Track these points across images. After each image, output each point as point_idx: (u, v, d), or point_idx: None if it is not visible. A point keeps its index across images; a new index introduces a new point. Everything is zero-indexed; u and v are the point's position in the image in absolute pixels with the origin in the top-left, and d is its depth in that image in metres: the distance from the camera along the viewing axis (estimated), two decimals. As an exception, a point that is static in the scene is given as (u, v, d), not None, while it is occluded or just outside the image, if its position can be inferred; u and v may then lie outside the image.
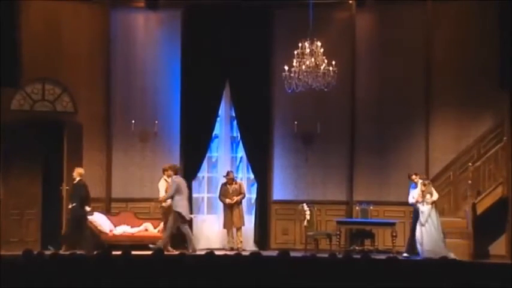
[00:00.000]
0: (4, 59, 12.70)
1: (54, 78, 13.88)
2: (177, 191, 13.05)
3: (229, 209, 13.77)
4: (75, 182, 12.99)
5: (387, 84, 14.09)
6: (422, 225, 12.73)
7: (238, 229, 13.84)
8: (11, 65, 12.82)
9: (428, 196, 12.81)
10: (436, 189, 13.59)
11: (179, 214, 13.03)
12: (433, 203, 12.83)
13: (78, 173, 13.01)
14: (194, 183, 14.38)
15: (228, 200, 13.74)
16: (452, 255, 11.74)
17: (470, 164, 13.27)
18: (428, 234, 12.66)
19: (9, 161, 13.19)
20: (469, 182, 13.09)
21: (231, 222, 13.80)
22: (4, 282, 7.19)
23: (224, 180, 13.94)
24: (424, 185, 12.85)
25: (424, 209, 12.79)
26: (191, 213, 13.54)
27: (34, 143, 13.56)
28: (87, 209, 12.95)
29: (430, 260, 11.24)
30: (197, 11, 14.23)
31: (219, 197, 13.92)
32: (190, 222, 13.41)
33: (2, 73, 12.79)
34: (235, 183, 13.84)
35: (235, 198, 13.75)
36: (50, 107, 13.92)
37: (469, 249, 12.65)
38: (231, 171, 13.98)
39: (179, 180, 13.21)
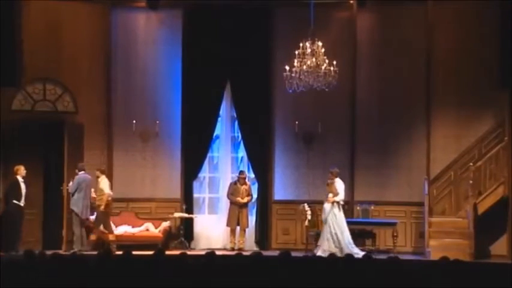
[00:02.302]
0: (5, 59, 12.70)
1: (55, 78, 13.88)
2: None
3: (238, 208, 13.76)
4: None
5: (388, 84, 14.09)
6: (324, 223, 12.86)
7: (244, 230, 13.85)
8: (12, 65, 12.82)
9: (330, 195, 12.88)
10: (436, 190, 13.63)
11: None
12: (336, 202, 12.86)
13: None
14: (195, 183, 14.40)
15: (239, 199, 13.73)
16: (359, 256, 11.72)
17: (471, 163, 13.26)
18: (325, 232, 12.76)
19: (10, 161, 13.18)
20: (470, 181, 13.08)
21: (236, 222, 13.79)
22: (5, 282, 7.19)
23: (235, 179, 13.95)
24: (327, 184, 12.98)
25: (325, 206, 12.88)
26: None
27: (35, 143, 13.58)
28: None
29: (432, 260, 11.28)
30: (198, 11, 14.24)
31: (228, 195, 13.90)
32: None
33: (3, 73, 12.80)
34: (246, 184, 13.85)
35: (246, 198, 13.75)
36: (51, 107, 13.92)
37: (470, 249, 12.65)
38: (244, 171, 13.97)
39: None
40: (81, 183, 13.16)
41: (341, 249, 12.52)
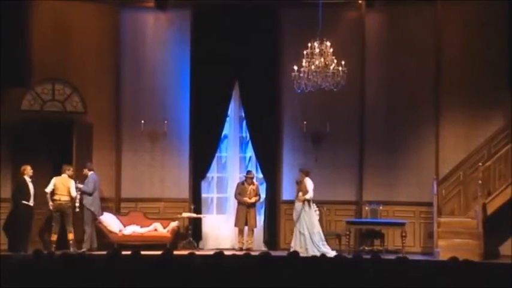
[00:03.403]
0: (14, 60, 12.74)
1: (64, 78, 13.92)
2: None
3: (246, 208, 13.77)
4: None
5: (396, 84, 14.06)
6: (295, 222, 12.96)
7: (252, 230, 13.86)
8: (21, 65, 12.86)
9: (300, 194, 12.94)
10: (445, 190, 13.58)
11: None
12: (307, 201, 12.95)
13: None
14: (203, 183, 14.41)
15: (247, 199, 13.73)
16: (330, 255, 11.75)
17: (480, 164, 13.21)
18: (296, 230, 12.88)
19: (20, 161, 13.22)
20: (480, 182, 13.04)
21: (244, 222, 13.80)
22: (14, 282, 7.22)
23: (242, 179, 13.96)
24: (297, 183, 13.08)
25: (296, 205, 13.00)
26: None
27: (44, 142, 13.62)
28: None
29: (441, 261, 11.25)
30: (206, 11, 14.24)
31: (236, 195, 13.91)
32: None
33: (12, 73, 12.83)
34: (253, 183, 13.85)
35: (254, 198, 13.76)
36: (60, 107, 13.96)
37: (479, 250, 12.60)
38: (252, 171, 13.98)
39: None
40: (95, 182, 13.20)
41: (306, 250, 12.67)
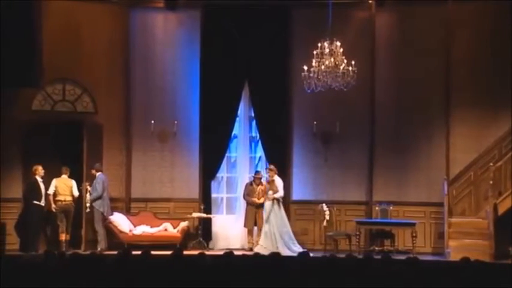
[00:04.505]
0: (25, 60, 12.79)
1: (75, 78, 13.97)
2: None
3: (255, 209, 13.77)
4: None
5: (407, 84, 14.02)
6: (265, 221, 13.01)
7: (261, 230, 13.84)
8: (32, 66, 12.90)
9: (270, 192, 13.01)
10: (456, 190, 13.52)
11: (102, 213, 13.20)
12: (277, 200, 13.03)
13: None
14: (213, 183, 14.42)
15: (255, 200, 13.73)
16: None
17: (491, 164, 13.16)
18: (265, 230, 12.95)
19: (30, 161, 13.27)
20: (490, 182, 12.97)
21: (253, 223, 13.80)
22: (25, 281, 7.24)
23: (251, 179, 13.96)
24: (267, 182, 13.16)
25: (266, 204, 13.08)
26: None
27: (55, 143, 13.66)
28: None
29: (452, 261, 11.22)
30: (216, 11, 14.25)
31: (244, 196, 13.92)
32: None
33: (23, 73, 12.87)
34: (262, 184, 13.85)
35: (263, 199, 13.77)
36: (71, 108, 14.01)
37: (490, 250, 12.55)
38: (261, 171, 13.99)
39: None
40: (104, 183, 13.23)
41: (276, 249, 12.65)
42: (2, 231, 12.81)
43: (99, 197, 13.21)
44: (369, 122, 14.16)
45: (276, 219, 13.02)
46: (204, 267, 7.78)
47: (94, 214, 13.25)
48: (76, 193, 13.26)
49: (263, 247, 12.74)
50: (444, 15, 13.85)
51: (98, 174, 13.35)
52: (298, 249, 12.72)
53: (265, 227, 13.05)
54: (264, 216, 13.15)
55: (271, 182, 13.17)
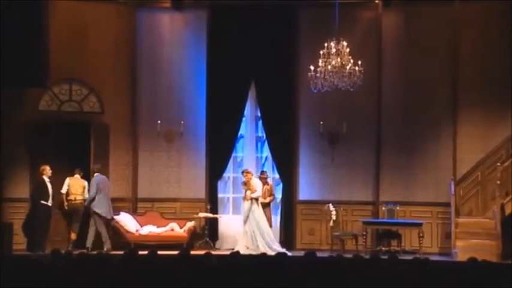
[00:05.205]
0: (32, 60, 12.81)
1: (81, 78, 13.99)
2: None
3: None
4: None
5: (413, 84, 14.00)
6: (244, 221, 13.06)
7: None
8: (39, 66, 12.93)
9: (248, 192, 13.03)
10: (463, 190, 13.49)
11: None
12: (255, 199, 13.05)
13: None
14: (220, 183, 14.42)
15: (261, 199, 13.74)
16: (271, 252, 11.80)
17: (498, 164, 13.13)
18: (245, 229, 13.00)
19: (37, 161, 13.30)
20: (498, 182, 12.95)
21: (260, 222, 13.82)
22: (32, 281, 7.26)
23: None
24: (244, 183, 13.21)
25: (245, 205, 13.13)
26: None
27: (61, 143, 13.68)
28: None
29: (459, 261, 11.19)
30: (223, 11, 14.25)
31: None
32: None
33: (30, 74, 12.90)
34: (267, 184, 13.85)
35: (269, 198, 13.77)
36: (77, 108, 14.03)
37: (497, 250, 12.51)
38: (266, 171, 13.98)
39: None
40: (98, 184, 13.23)
41: (257, 247, 12.74)
42: (9, 231, 12.84)
43: (93, 199, 13.20)
44: (375, 122, 14.13)
45: (254, 219, 13.03)
46: (211, 267, 7.78)
47: (91, 216, 13.24)
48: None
49: (245, 246, 12.80)
50: (451, 15, 13.83)
51: (94, 175, 13.37)
52: (277, 248, 12.70)
53: (245, 227, 13.08)
54: (243, 216, 13.15)
55: (247, 182, 13.17)
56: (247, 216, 13.08)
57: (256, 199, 13.16)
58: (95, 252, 11.82)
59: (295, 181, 14.27)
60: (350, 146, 14.13)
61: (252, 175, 13.33)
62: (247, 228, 13.06)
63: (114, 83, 14.16)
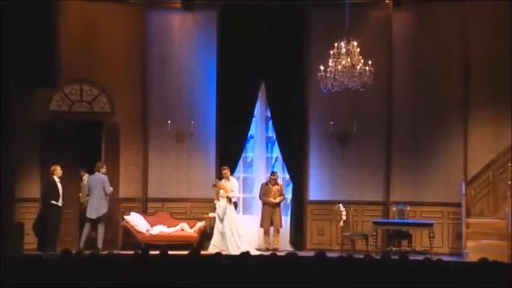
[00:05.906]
0: (43, 60, 12.85)
1: (92, 79, 14.03)
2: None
3: (271, 209, 13.78)
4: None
5: (424, 84, 13.96)
6: (220, 220, 13.12)
7: (277, 230, 13.86)
8: (50, 66, 12.97)
9: (222, 191, 13.10)
10: (474, 190, 13.44)
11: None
12: (229, 198, 13.13)
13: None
14: (230, 184, 14.44)
15: (271, 200, 13.74)
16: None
17: (509, 164, 13.07)
18: (218, 229, 13.09)
19: (48, 161, 13.34)
20: (509, 182, 12.90)
21: (269, 223, 13.82)
22: (42, 281, 7.28)
23: (267, 179, 13.96)
24: (214, 185, 13.31)
25: (221, 204, 13.17)
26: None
27: (72, 143, 13.72)
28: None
29: (470, 262, 11.15)
30: (233, 12, 14.25)
31: (260, 196, 13.92)
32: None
33: (41, 74, 12.94)
34: (277, 184, 13.84)
35: (279, 198, 13.75)
36: (88, 108, 14.07)
37: (508, 251, 12.45)
38: (277, 172, 13.98)
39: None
40: (89, 184, 13.28)
41: (227, 248, 12.80)
42: (21, 231, 12.89)
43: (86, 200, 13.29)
44: (386, 122, 14.10)
45: (229, 219, 13.05)
46: (221, 267, 7.78)
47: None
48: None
49: (215, 246, 12.92)
50: (461, 14, 13.77)
51: (93, 175, 13.42)
52: (244, 247, 12.58)
53: (219, 227, 13.13)
54: (220, 215, 13.19)
55: (222, 185, 13.22)
56: (224, 215, 13.11)
57: (231, 199, 13.19)
58: (105, 253, 11.85)
59: (305, 181, 14.26)
60: (360, 146, 14.10)
61: (229, 171, 13.34)
62: (226, 228, 13.05)
63: (124, 83, 14.19)
